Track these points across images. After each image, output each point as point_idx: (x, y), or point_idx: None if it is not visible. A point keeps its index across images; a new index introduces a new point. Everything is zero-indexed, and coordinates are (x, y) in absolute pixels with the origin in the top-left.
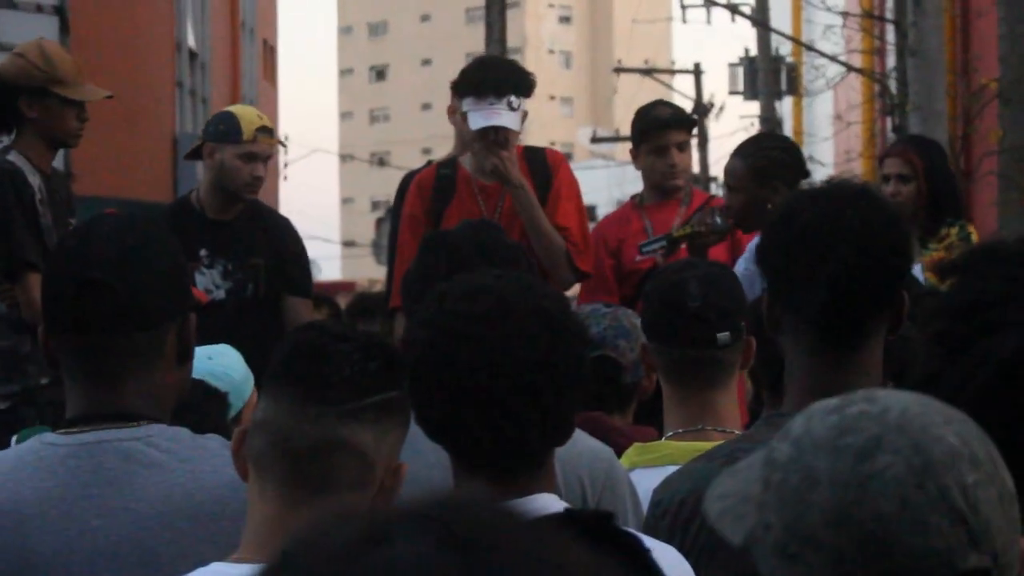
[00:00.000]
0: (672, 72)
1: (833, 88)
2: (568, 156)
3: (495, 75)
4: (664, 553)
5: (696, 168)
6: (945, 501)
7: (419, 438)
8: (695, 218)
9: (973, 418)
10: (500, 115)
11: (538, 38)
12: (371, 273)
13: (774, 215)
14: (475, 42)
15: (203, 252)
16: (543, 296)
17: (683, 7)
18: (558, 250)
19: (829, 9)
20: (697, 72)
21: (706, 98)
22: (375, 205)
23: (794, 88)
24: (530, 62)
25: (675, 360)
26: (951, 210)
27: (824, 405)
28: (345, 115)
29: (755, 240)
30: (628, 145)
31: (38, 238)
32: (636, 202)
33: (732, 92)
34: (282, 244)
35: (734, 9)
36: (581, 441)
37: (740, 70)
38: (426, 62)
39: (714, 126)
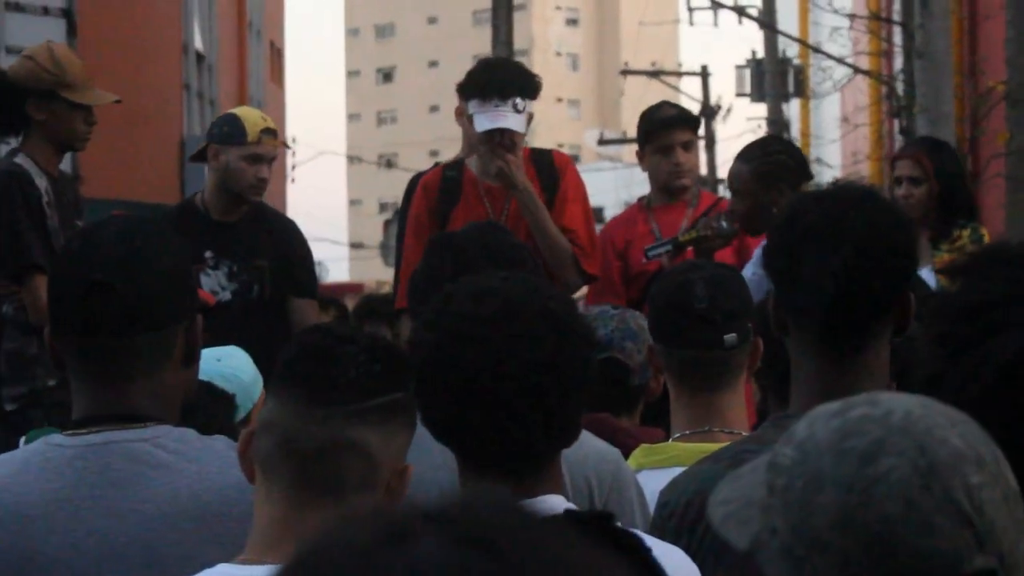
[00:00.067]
0: (679, 74)
1: (840, 90)
2: (575, 158)
3: (500, 77)
4: (671, 554)
5: (704, 170)
6: (950, 503)
7: (426, 439)
8: (701, 222)
9: (975, 419)
10: (505, 117)
11: (545, 40)
12: (379, 275)
13: (779, 217)
14: (482, 44)
15: (208, 254)
16: (549, 298)
17: (690, 9)
18: (564, 253)
19: (836, 11)
20: (704, 74)
21: (713, 100)
22: (383, 207)
23: (801, 90)
24: (537, 64)
25: (682, 362)
26: (963, 212)
27: (826, 409)
28: (352, 117)
29: (762, 244)
30: (635, 147)
31: (45, 240)
32: (643, 204)
33: (739, 94)
34: (287, 246)
35: (741, 11)
36: (588, 442)
37: (747, 72)
38: (433, 64)
39: (721, 128)
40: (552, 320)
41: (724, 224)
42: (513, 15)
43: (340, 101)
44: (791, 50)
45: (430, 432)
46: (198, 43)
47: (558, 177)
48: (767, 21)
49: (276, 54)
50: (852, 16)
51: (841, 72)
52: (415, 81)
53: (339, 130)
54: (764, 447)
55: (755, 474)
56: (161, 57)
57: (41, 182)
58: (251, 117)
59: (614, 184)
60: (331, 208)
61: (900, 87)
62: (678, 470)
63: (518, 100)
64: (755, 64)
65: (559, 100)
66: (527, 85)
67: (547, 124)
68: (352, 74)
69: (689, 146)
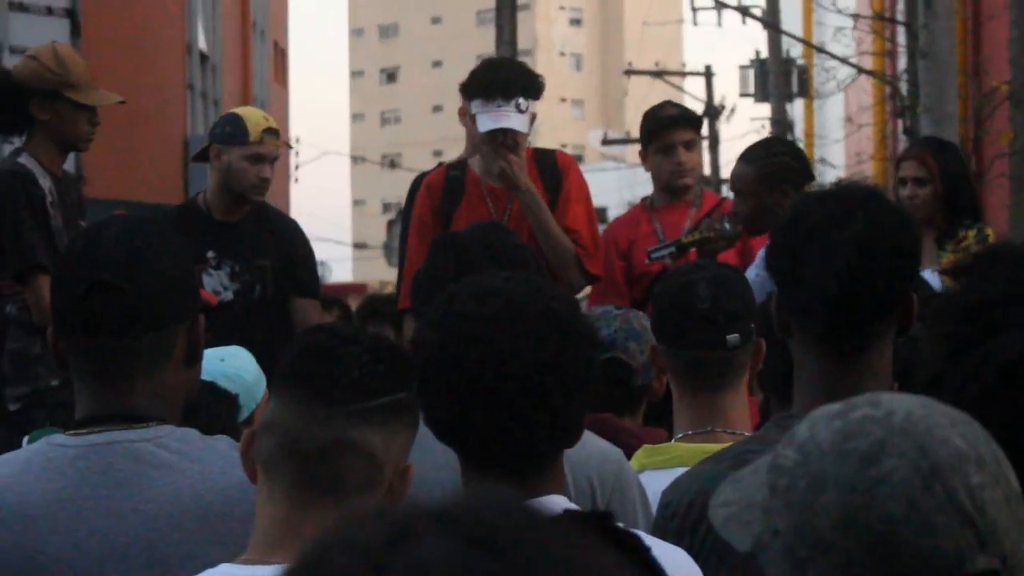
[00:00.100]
0: (683, 74)
1: (844, 90)
2: (579, 158)
3: (503, 77)
4: (673, 555)
5: (707, 170)
6: (952, 503)
7: (429, 439)
8: (704, 224)
9: (976, 419)
10: (508, 117)
11: (549, 40)
12: (382, 275)
13: (782, 218)
14: (486, 44)
15: (210, 254)
16: (552, 298)
17: (694, 9)
18: (567, 253)
19: (840, 11)
20: (708, 74)
21: (717, 100)
22: (386, 207)
23: (805, 90)
24: (541, 64)
25: (684, 362)
26: (968, 213)
27: (827, 410)
28: (356, 117)
29: (766, 246)
30: (639, 147)
31: (48, 240)
32: (646, 204)
33: (743, 94)
34: (290, 246)
35: (745, 11)
36: (591, 443)
37: (751, 72)
38: (437, 64)
39: (725, 128)
40: (555, 320)
41: (727, 226)
42: (517, 15)
43: (344, 101)
44: (795, 50)
45: (433, 432)
46: (202, 43)
47: (561, 177)
48: (771, 21)
49: (280, 54)
50: (856, 16)
51: (845, 72)
52: (419, 81)
53: (343, 130)
54: (766, 447)
55: (756, 476)
56: (165, 57)
57: (45, 182)
58: (253, 117)
59: (618, 184)
60: (335, 208)
61: (904, 87)
62: (681, 470)
63: (521, 100)
64: (759, 64)
65: (563, 100)
66: (530, 85)
67: (551, 124)
68: (356, 74)
69: (691, 145)
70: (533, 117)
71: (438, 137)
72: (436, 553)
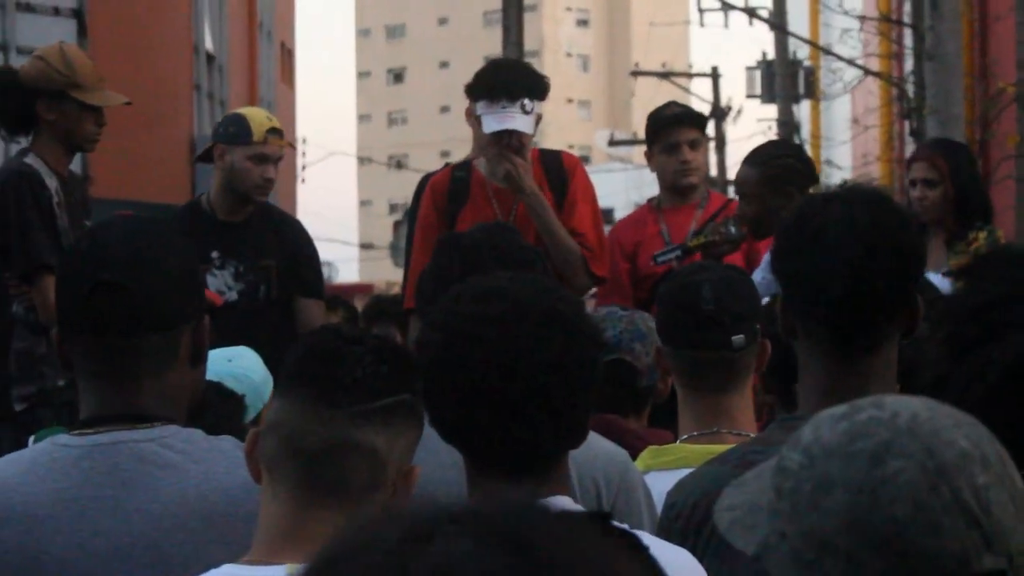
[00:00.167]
0: (690, 75)
1: (850, 92)
2: (585, 159)
3: (508, 78)
4: (677, 556)
5: (714, 171)
6: (958, 503)
7: (434, 439)
8: (709, 227)
9: (980, 419)
10: (513, 118)
11: (556, 41)
12: (389, 275)
13: (788, 219)
14: (492, 45)
15: (214, 254)
16: (557, 299)
17: (700, 11)
18: (574, 255)
19: (846, 13)
20: (714, 75)
21: (723, 101)
22: (393, 208)
23: (811, 92)
24: (548, 65)
25: (689, 363)
26: (979, 214)
27: (832, 412)
28: (363, 118)
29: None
30: (645, 148)
31: (55, 240)
32: (652, 205)
33: (749, 96)
34: (294, 246)
35: (751, 13)
36: (596, 443)
37: (757, 74)
38: (444, 65)
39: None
40: (560, 321)
41: (732, 229)
42: (524, 16)
43: (350, 102)
44: (802, 52)
45: (438, 432)
46: (208, 44)
47: (567, 179)
48: (778, 23)
49: (287, 55)
50: (862, 18)
51: (851, 74)
52: (425, 82)
53: (349, 131)
54: (771, 448)
55: (761, 479)
56: (171, 58)
57: (51, 182)
58: (257, 117)
59: (624, 185)
60: (341, 209)
61: (910, 89)
62: (686, 471)
63: (526, 101)
64: (765, 65)
65: (569, 101)
66: (535, 86)
67: (557, 125)
68: (363, 75)
69: (696, 144)
70: (538, 118)
71: (445, 138)
72: (459, 552)
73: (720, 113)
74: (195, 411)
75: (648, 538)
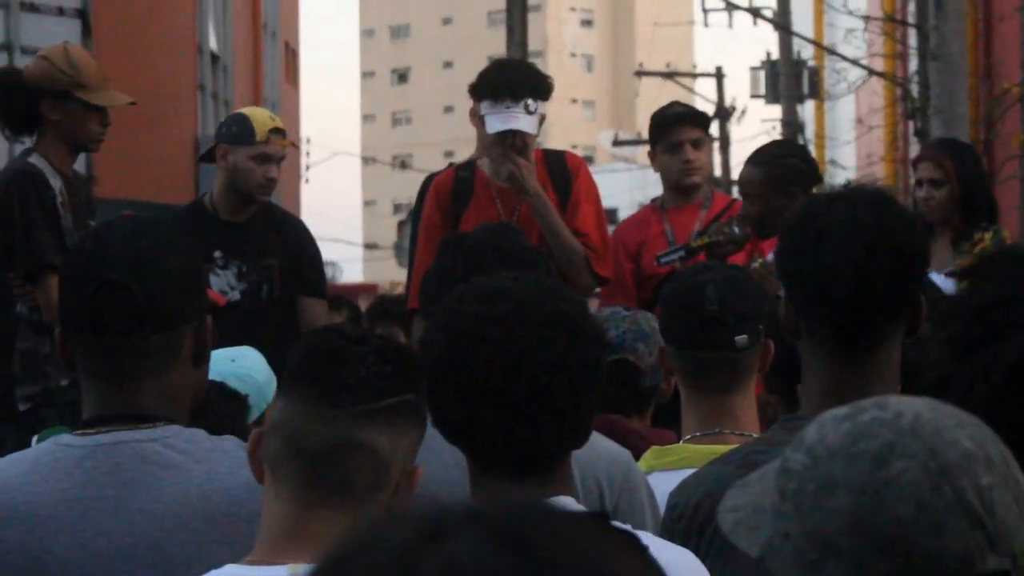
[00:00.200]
0: (694, 75)
1: (855, 92)
2: (590, 159)
3: (512, 78)
4: (680, 556)
5: (718, 171)
6: (961, 504)
7: (437, 439)
8: (713, 228)
9: (984, 420)
10: (517, 119)
11: (560, 41)
12: (393, 275)
13: (791, 219)
14: (497, 45)
15: (217, 254)
16: (561, 299)
17: (705, 10)
18: (577, 255)
19: (851, 13)
20: (719, 76)
21: (728, 102)
22: (397, 208)
23: (816, 92)
24: (552, 65)
25: (693, 363)
26: (985, 214)
27: (835, 413)
28: (367, 118)
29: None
30: (649, 148)
31: (59, 240)
32: (656, 205)
33: (754, 96)
34: (297, 245)
35: (756, 13)
36: (599, 444)
37: (762, 74)
38: (448, 65)
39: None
40: (563, 321)
41: (736, 229)
42: (528, 16)
43: (355, 102)
44: (806, 52)
45: (441, 433)
46: (213, 44)
47: (571, 179)
48: (782, 23)
49: (291, 55)
50: (867, 18)
51: (856, 74)
52: (430, 82)
53: (354, 131)
54: (774, 449)
55: (765, 481)
56: (176, 58)
57: (55, 182)
58: (259, 117)
59: (628, 185)
60: (345, 209)
61: (915, 89)
62: (689, 472)
63: (530, 101)
64: (770, 65)
65: (574, 101)
66: (539, 86)
67: (562, 125)
68: (367, 75)
69: (699, 144)
70: (542, 118)
71: (449, 138)
72: (467, 552)
73: (724, 113)
74: (198, 411)
75: (651, 538)
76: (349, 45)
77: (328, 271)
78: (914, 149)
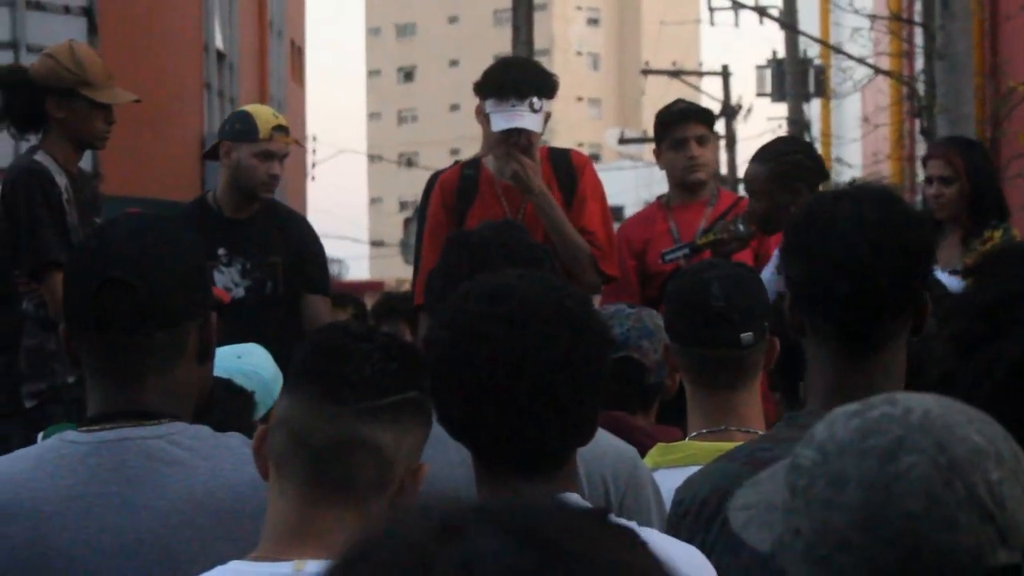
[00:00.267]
0: (700, 74)
1: (861, 90)
2: (596, 157)
3: (517, 76)
4: (685, 553)
5: (724, 170)
6: (972, 498)
7: (444, 436)
8: (718, 225)
9: (987, 416)
10: (522, 117)
11: (566, 40)
12: (399, 273)
13: (796, 216)
14: (502, 44)
15: (221, 251)
16: (565, 296)
17: (711, 9)
18: (583, 254)
19: (857, 12)
20: (725, 74)
21: (734, 100)
22: (403, 205)
23: (822, 90)
24: (558, 64)
25: (698, 360)
26: (994, 212)
27: (845, 410)
28: (373, 116)
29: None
30: (654, 146)
31: (64, 237)
32: (662, 203)
33: (760, 94)
34: (300, 242)
35: (762, 11)
36: (605, 441)
37: (768, 72)
38: (454, 63)
39: (742, 128)
40: (568, 318)
41: (741, 227)
42: (534, 14)
43: (361, 100)
44: (812, 50)
45: (446, 430)
46: (219, 42)
47: (576, 177)
48: (788, 21)
49: (296, 53)
50: (873, 17)
51: (862, 72)
52: (436, 80)
53: (360, 129)
54: (779, 445)
55: (775, 479)
56: (182, 56)
57: (61, 180)
58: (263, 114)
59: (634, 183)
60: (351, 206)
61: (921, 88)
62: (694, 469)
63: (535, 99)
64: (776, 64)
65: (580, 99)
66: (544, 84)
67: (568, 123)
68: (373, 73)
69: (704, 140)
70: (547, 116)
71: (455, 136)
72: (484, 548)
73: (731, 111)
74: (203, 408)
75: (656, 535)
76: (355, 43)
77: (334, 268)
78: (920, 147)
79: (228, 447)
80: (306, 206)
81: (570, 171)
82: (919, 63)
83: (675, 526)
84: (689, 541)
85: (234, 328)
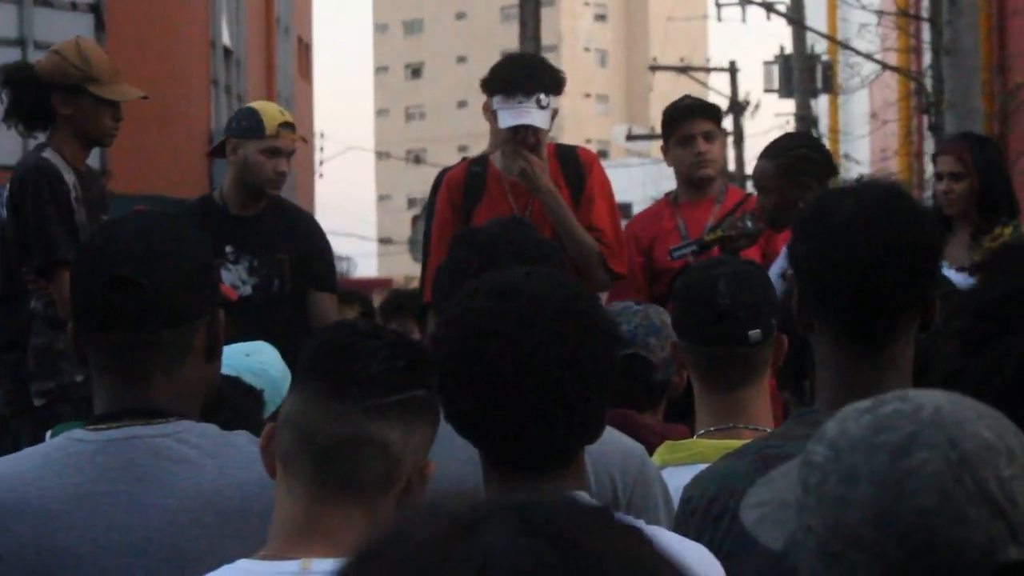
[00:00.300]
0: (707, 70)
1: (868, 86)
2: (603, 154)
3: (524, 73)
4: (694, 550)
5: (732, 166)
6: (983, 494)
7: (451, 434)
8: (726, 222)
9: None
10: (529, 113)
11: (574, 36)
12: (407, 270)
13: (804, 212)
14: (510, 40)
15: (228, 248)
16: (573, 293)
17: (718, 5)
18: (591, 252)
19: (864, 7)
20: (732, 70)
21: (741, 96)
22: (411, 202)
23: (830, 86)
24: (565, 60)
25: (705, 358)
26: (1005, 208)
27: (856, 407)
28: (381, 112)
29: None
30: (662, 143)
31: (72, 235)
32: (670, 199)
33: (767, 90)
34: (307, 240)
35: (769, 7)
36: (613, 438)
37: (775, 68)
38: (461, 60)
39: (750, 124)
40: (575, 316)
41: (749, 224)
42: (541, 10)
43: (368, 97)
44: (819, 46)
45: (453, 427)
46: (226, 39)
47: (584, 174)
48: (795, 17)
49: (304, 49)
50: (880, 12)
51: (869, 68)
52: (443, 77)
53: (367, 126)
54: (789, 443)
55: (787, 477)
56: (189, 52)
57: (69, 177)
58: (269, 111)
59: (642, 180)
60: (359, 203)
61: (929, 83)
62: (702, 466)
63: (542, 96)
64: (783, 60)
65: (587, 95)
66: (551, 81)
67: (575, 119)
68: (380, 70)
69: (711, 137)
70: (554, 113)
71: (463, 133)
72: (499, 544)
73: (738, 108)
74: (211, 406)
75: (664, 533)
76: (362, 40)
77: (343, 265)
78: (928, 144)
79: (236, 445)
80: (314, 203)
81: (578, 168)
82: (927, 59)
83: (683, 524)
84: (697, 539)
85: (241, 326)
